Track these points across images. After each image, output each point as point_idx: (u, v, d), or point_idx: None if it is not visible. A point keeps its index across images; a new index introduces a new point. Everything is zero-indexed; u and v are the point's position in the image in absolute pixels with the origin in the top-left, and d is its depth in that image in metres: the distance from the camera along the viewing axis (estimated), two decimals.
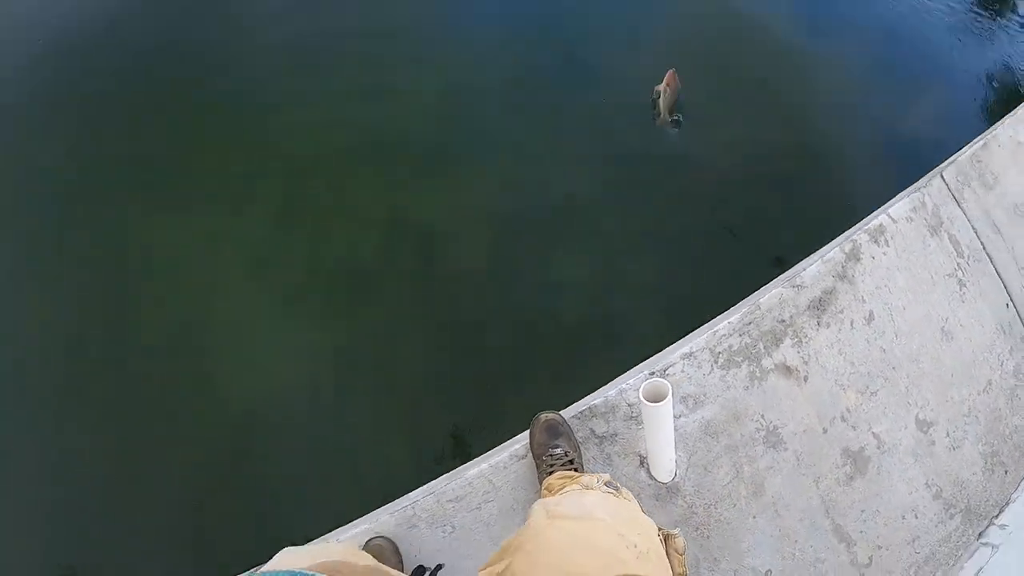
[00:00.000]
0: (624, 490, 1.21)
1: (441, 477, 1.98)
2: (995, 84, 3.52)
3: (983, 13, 4.07)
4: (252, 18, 3.71)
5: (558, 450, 1.74)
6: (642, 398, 1.65)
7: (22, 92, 3.49)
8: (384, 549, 1.77)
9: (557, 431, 1.83)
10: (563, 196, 3.18)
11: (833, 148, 3.43)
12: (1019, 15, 4.14)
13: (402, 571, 1.75)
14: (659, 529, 1.10)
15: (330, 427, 2.74)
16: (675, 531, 1.13)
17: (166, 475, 2.62)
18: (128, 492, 2.58)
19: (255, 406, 2.74)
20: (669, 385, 1.63)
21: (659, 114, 3.35)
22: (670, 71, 3.27)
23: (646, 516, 1.11)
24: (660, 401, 1.63)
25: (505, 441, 2.03)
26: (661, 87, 3.31)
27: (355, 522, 1.87)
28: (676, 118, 3.35)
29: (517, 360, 2.87)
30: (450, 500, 1.85)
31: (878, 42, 3.89)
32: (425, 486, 1.91)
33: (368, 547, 1.77)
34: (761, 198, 3.22)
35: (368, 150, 3.29)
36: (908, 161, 2.93)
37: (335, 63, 3.52)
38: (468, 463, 2.02)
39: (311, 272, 3.01)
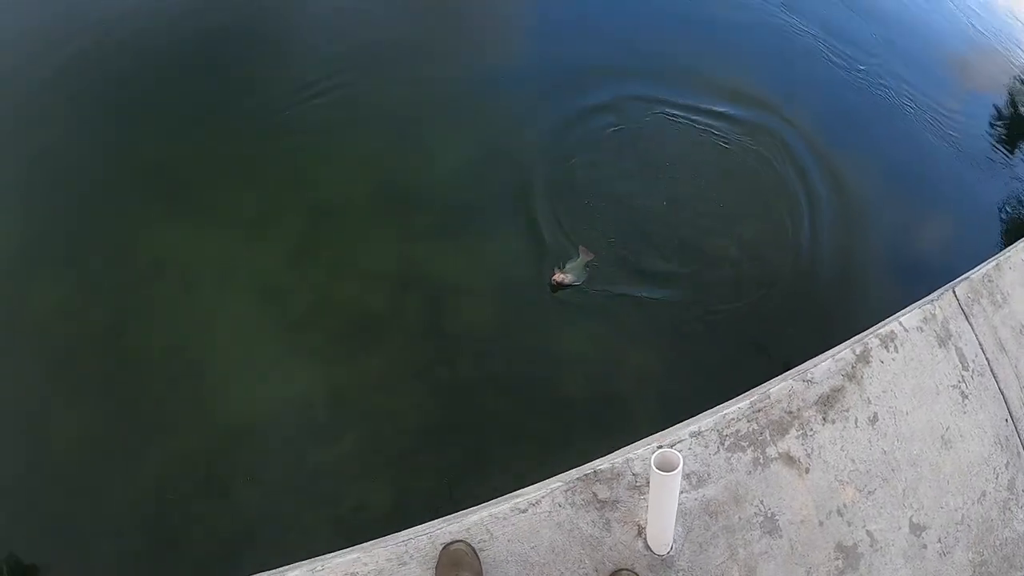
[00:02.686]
0: None
1: (437, 520, 2.02)
2: (1008, 212, 3.63)
3: (1000, 145, 4.28)
4: (296, 49, 3.81)
5: None
6: (653, 466, 1.76)
7: (58, 93, 3.56)
8: (466, 553, 1.83)
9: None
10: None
11: (848, 263, 3.51)
12: None
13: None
14: None
15: (314, 462, 2.74)
16: None
17: (143, 470, 2.63)
18: (102, 483, 2.62)
19: (242, 428, 2.76)
20: (681, 457, 1.74)
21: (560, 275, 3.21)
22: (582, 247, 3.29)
23: None
24: (671, 471, 1.74)
25: (504, 495, 2.09)
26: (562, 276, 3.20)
27: (345, 550, 1.93)
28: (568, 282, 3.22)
29: (510, 423, 2.90)
30: (444, 543, 1.93)
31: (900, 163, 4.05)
32: (421, 526, 1.99)
33: (449, 551, 1.82)
34: (774, 306, 3.29)
35: (390, 201, 3.36)
36: (919, 280, 3.03)
37: (372, 110, 3.60)
38: (469, 508, 2.07)
39: (317, 310, 3.03)
